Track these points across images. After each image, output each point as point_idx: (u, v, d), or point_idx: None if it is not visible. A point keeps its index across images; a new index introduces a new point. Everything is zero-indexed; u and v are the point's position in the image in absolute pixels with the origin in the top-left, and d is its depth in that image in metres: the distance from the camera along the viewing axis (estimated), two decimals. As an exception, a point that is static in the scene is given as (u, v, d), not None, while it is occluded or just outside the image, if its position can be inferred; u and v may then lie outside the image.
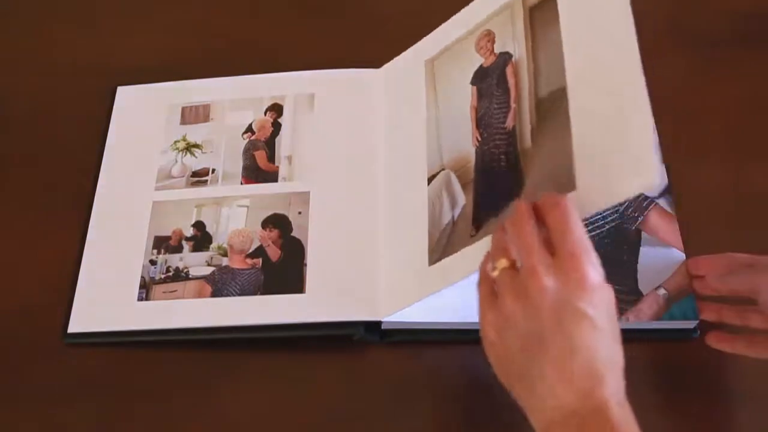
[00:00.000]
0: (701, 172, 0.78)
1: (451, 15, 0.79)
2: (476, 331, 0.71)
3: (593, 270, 0.52)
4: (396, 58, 0.83)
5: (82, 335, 0.72)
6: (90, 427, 0.69)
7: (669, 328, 0.71)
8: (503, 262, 0.55)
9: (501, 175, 0.68)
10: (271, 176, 0.80)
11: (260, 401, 0.70)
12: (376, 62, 0.84)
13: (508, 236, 0.56)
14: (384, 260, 0.73)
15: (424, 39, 0.81)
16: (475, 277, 0.59)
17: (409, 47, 0.83)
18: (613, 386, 0.52)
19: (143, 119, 0.85)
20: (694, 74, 0.87)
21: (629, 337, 0.71)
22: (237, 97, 0.85)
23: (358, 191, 0.77)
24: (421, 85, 0.78)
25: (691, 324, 0.71)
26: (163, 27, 0.93)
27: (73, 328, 0.72)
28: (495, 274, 0.56)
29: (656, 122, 0.81)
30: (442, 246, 0.69)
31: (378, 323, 0.70)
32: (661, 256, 0.73)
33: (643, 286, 0.72)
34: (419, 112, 0.77)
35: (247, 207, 0.78)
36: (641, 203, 0.76)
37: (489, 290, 0.57)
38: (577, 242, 0.52)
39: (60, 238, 0.77)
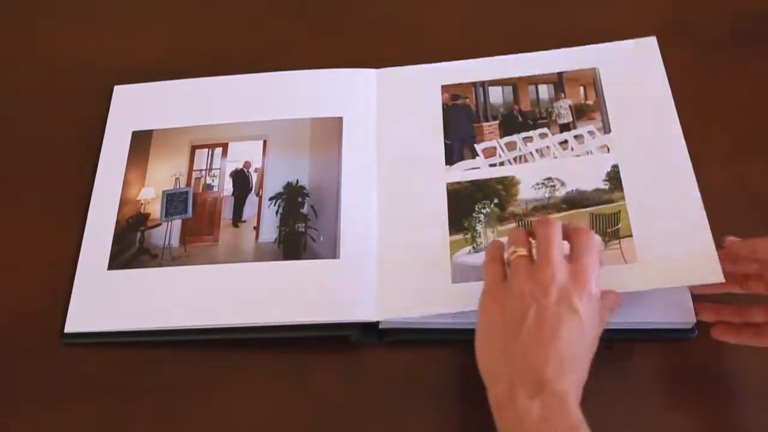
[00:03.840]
0: (701, 172, 0.77)
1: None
2: (474, 332, 0.72)
3: (596, 284, 0.60)
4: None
5: (79, 335, 0.72)
6: (89, 427, 0.69)
7: (668, 328, 0.71)
8: (522, 250, 0.62)
9: None
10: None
11: (259, 401, 0.70)
12: (375, 62, 0.84)
13: (536, 231, 0.62)
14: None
15: None
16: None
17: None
18: (572, 385, 0.57)
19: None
20: (694, 74, 0.87)
21: (629, 337, 0.71)
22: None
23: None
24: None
25: (689, 324, 0.71)
26: (162, 27, 0.93)
27: (69, 328, 0.72)
28: (513, 256, 0.62)
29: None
30: None
31: (375, 324, 0.70)
32: None
33: None
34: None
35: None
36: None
37: (499, 268, 0.62)
38: (592, 261, 0.61)
39: (58, 237, 0.77)
